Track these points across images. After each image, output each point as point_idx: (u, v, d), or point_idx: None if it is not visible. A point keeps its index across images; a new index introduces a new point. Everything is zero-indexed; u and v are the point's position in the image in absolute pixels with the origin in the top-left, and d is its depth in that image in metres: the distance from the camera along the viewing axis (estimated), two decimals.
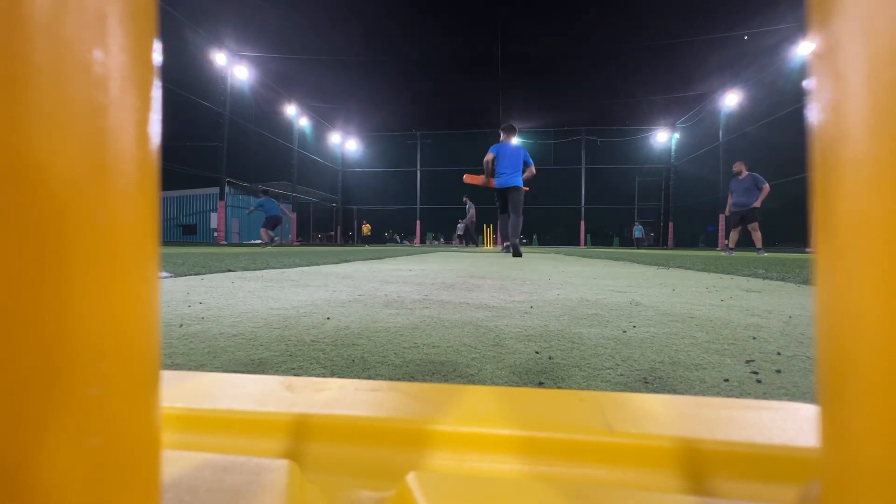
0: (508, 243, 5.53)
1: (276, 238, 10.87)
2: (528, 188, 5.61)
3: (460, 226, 12.07)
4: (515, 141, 5.62)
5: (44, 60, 0.12)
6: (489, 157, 5.40)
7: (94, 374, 0.13)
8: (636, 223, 17.96)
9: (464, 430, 0.30)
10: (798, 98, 11.00)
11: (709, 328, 0.96)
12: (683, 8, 10.97)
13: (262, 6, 10.86)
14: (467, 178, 5.98)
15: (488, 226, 14.43)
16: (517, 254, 5.25)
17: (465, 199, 12.37)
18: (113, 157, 0.13)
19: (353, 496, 0.27)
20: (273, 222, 10.21)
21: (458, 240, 12.00)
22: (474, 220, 12.12)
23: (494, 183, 5.47)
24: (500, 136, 5.62)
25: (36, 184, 0.12)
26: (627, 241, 18.67)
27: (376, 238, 21.74)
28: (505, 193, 5.43)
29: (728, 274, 2.66)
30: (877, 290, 0.13)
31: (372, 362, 0.67)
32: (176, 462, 0.25)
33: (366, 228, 21.41)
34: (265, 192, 10.55)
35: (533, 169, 5.46)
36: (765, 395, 0.54)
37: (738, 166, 7.16)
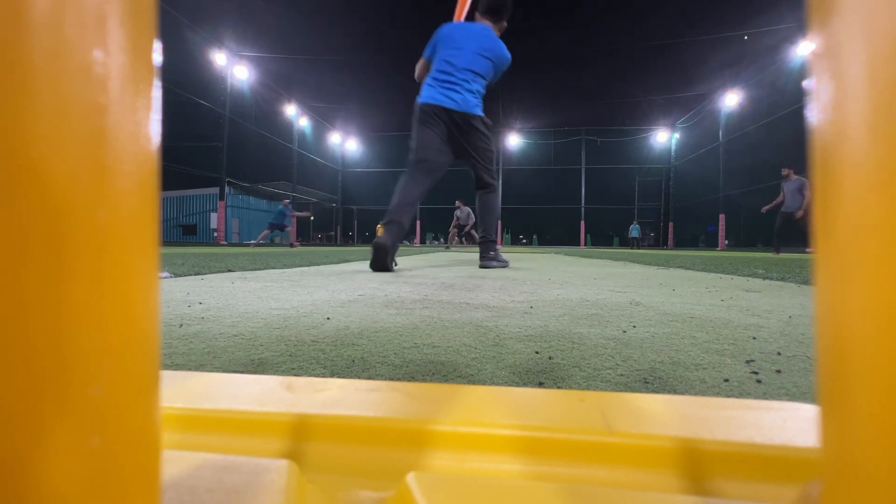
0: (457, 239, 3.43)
1: (263, 240, 12.28)
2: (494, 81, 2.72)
3: (453, 230, 11.86)
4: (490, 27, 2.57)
5: (44, 60, 0.12)
6: (420, 65, 2.57)
7: (94, 374, 0.13)
8: (633, 223, 17.96)
9: (464, 430, 0.30)
10: (798, 98, 11.01)
11: (709, 328, 0.96)
12: (683, 8, 10.98)
13: (262, 6, 10.88)
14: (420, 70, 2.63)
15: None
16: (381, 263, 2.41)
17: (457, 203, 11.96)
18: (113, 157, 0.13)
19: (353, 496, 0.27)
20: (274, 227, 11.80)
21: (457, 239, 11.93)
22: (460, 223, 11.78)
23: (424, 94, 2.42)
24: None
25: (36, 184, 0.12)
26: (627, 241, 18.71)
27: (374, 239, 21.58)
28: (436, 122, 2.36)
29: (728, 274, 2.66)
30: (877, 290, 0.13)
31: (372, 362, 0.67)
32: (176, 462, 0.25)
33: (380, 229, 20.67)
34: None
35: (498, 70, 2.64)
36: (765, 396, 0.54)
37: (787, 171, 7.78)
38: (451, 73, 2.32)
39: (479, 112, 2.41)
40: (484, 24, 2.50)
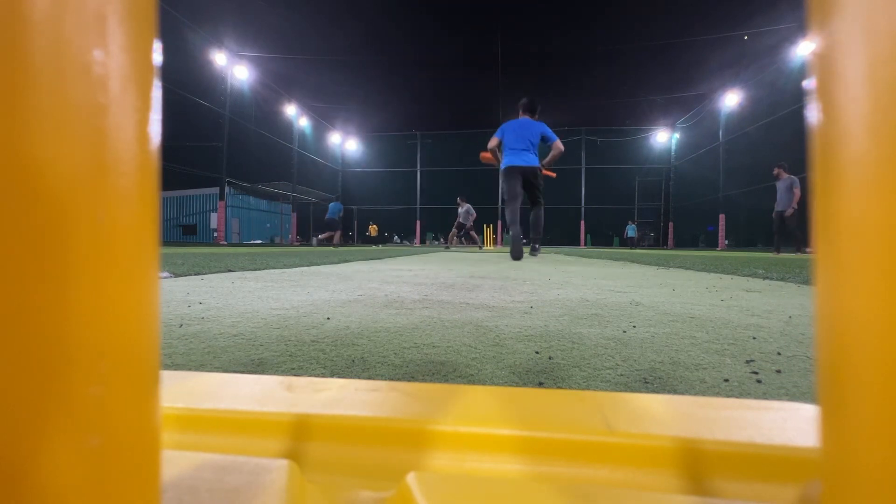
0: (531, 243, 4.62)
1: (323, 238, 12.53)
2: (553, 174, 4.68)
3: (454, 230, 11.61)
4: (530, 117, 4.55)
5: (44, 60, 0.12)
6: (493, 142, 4.49)
7: (94, 374, 0.13)
8: (629, 223, 17.98)
9: (464, 430, 0.30)
10: (798, 98, 11.01)
11: (709, 328, 0.96)
12: (684, 8, 10.97)
13: (262, 6, 10.87)
14: (483, 156, 4.76)
15: (488, 226, 14.39)
16: (518, 253, 4.25)
17: (458, 199, 11.77)
18: (113, 157, 0.13)
19: (353, 496, 0.27)
20: (335, 223, 11.97)
21: (457, 239, 11.83)
22: (463, 221, 11.58)
23: (505, 163, 4.37)
24: (520, 109, 4.61)
25: (36, 184, 0.12)
26: (624, 242, 18.74)
27: (378, 238, 21.66)
28: (515, 175, 4.29)
29: (728, 274, 2.66)
30: (877, 290, 0.13)
31: (372, 362, 0.67)
32: (176, 462, 0.25)
33: (373, 229, 21.29)
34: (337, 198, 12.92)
35: (559, 145, 4.35)
36: (765, 396, 0.54)
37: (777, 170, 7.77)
38: (520, 147, 4.33)
39: (537, 164, 4.38)
40: (526, 118, 4.51)
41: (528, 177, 4.29)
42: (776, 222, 7.75)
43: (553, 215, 20.55)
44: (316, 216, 22.06)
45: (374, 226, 20.83)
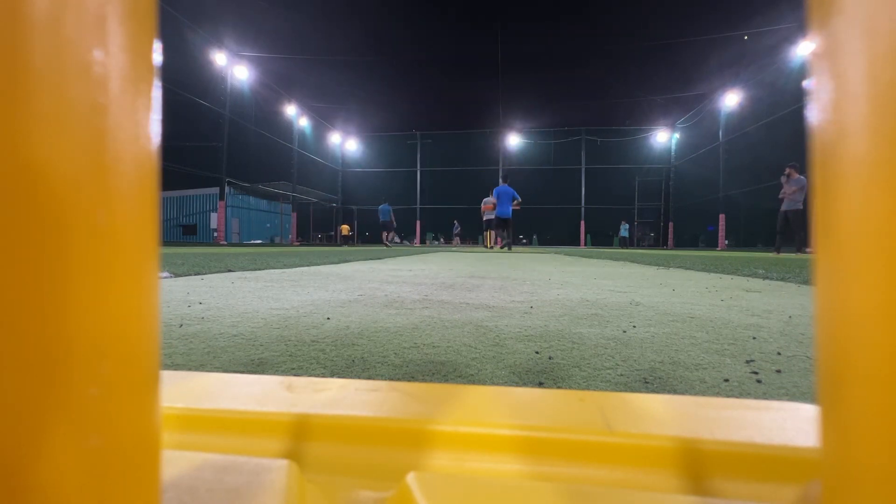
0: (504, 244, 9.73)
1: (391, 242, 13.22)
2: (518, 203, 9.64)
3: (456, 227, 11.95)
4: (507, 183, 9.99)
5: (44, 60, 0.12)
6: (493, 199, 9.66)
7: (94, 374, 0.13)
8: (623, 223, 18.01)
9: (464, 430, 0.30)
10: (798, 98, 11.01)
11: (709, 328, 0.96)
12: (684, 8, 10.98)
13: (262, 6, 10.88)
14: (485, 207, 10.56)
15: (487, 230, 14.71)
16: (509, 249, 9.73)
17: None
18: (113, 157, 0.13)
19: (353, 496, 0.27)
20: (389, 225, 12.84)
21: (457, 239, 11.99)
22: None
23: (496, 213, 9.61)
24: (500, 178, 10.32)
25: (36, 184, 0.12)
26: (620, 241, 18.75)
27: (375, 238, 21.64)
28: (502, 218, 9.63)
29: (728, 274, 2.66)
30: (877, 290, 0.13)
31: (372, 362, 0.67)
32: (176, 462, 0.25)
33: (344, 229, 21.60)
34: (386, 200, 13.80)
35: (518, 200, 9.42)
36: (765, 396, 0.54)
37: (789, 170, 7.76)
38: (504, 202, 9.54)
39: (510, 214, 9.64)
40: (505, 185, 9.70)
41: (505, 220, 9.41)
42: (780, 221, 7.80)
43: (553, 215, 20.57)
44: (316, 216, 22.05)
45: (346, 226, 21.26)
